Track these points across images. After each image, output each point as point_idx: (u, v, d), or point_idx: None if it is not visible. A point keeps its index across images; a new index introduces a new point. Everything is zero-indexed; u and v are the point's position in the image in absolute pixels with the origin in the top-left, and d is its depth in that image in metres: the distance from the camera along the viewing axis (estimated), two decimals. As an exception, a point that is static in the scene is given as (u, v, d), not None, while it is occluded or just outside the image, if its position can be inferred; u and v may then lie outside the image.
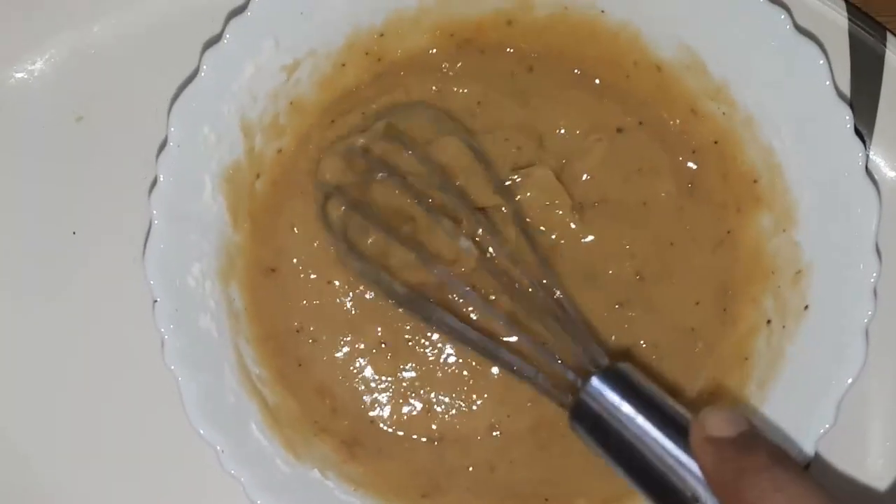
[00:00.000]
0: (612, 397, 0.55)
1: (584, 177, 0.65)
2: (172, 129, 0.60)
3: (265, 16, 0.61)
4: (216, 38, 0.61)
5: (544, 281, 0.62)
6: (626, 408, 0.55)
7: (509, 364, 0.61)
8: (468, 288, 0.62)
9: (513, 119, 0.65)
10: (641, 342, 0.64)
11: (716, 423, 0.53)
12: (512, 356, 0.61)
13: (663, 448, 0.54)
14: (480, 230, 0.63)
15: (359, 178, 0.64)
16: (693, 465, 0.53)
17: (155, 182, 0.60)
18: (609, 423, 0.55)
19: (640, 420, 0.54)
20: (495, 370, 0.64)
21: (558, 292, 0.62)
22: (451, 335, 0.62)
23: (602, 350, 0.59)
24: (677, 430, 0.54)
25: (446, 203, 0.63)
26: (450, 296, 0.63)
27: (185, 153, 0.60)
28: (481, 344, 0.61)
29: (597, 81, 0.66)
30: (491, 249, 0.63)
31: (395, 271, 0.63)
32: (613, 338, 0.64)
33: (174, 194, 0.60)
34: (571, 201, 0.64)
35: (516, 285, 0.62)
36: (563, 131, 0.65)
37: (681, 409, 0.56)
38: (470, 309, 0.63)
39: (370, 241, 0.63)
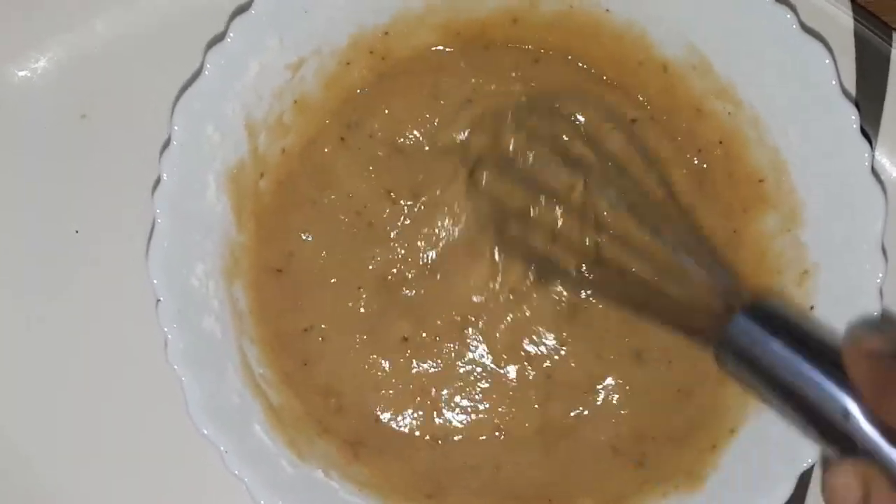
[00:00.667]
0: (759, 333, 0.54)
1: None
2: (176, 127, 0.60)
3: (269, 14, 0.61)
4: (220, 37, 0.61)
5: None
6: (775, 342, 0.54)
7: (652, 307, 0.61)
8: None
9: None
10: (652, 344, 0.64)
11: (871, 339, 0.52)
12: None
13: (812, 369, 0.53)
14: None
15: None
16: (843, 384, 0.52)
17: (158, 181, 0.59)
18: (758, 357, 0.54)
19: (789, 352, 0.53)
20: (511, 372, 0.64)
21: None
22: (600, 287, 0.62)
23: (741, 284, 0.59)
24: (825, 355, 0.53)
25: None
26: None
27: (188, 152, 0.60)
28: (629, 288, 0.62)
29: (604, 77, 0.66)
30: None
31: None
32: (627, 339, 0.64)
33: (178, 193, 0.60)
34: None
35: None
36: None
37: (828, 338, 0.55)
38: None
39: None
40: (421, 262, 0.64)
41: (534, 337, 0.64)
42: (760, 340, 0.54)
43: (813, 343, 0.54)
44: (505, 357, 0.64)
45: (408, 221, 0.65)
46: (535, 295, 0.64)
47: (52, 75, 0.68)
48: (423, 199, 0.65)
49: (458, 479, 0.64)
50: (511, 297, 0.64)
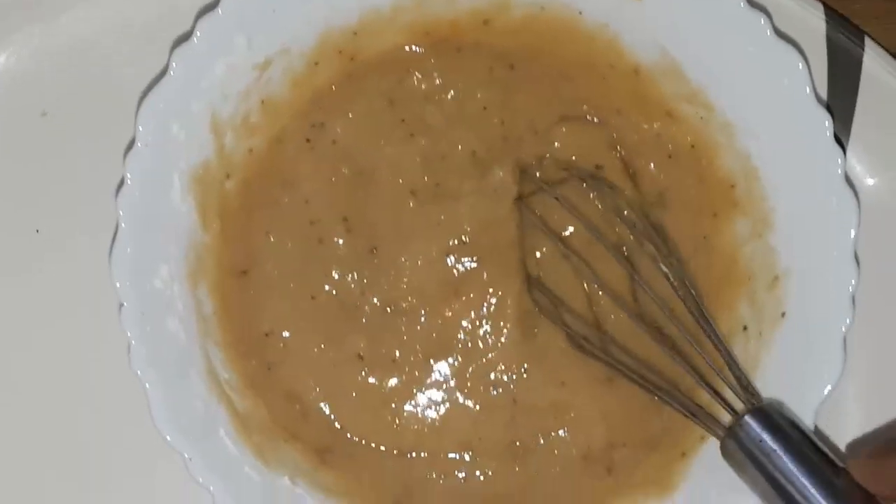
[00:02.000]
0: (765, 436, 0.57)
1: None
2: (140, 128, 0.59)
3: (236, 13, 0.60)
4: (186, 36, 0.60)
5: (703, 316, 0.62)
6: (780, 453, 0.57)
7: (667, 391, 0.62)
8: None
9: (500, 109, 0.65)
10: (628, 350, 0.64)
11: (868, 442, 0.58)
12: (668, 384, 0.62)
13: (813, 485, 0.56)
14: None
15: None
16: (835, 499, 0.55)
17: (122, 182, 0.58)
18: (762, 462, 0.57)
19: (792, 462, 0.56)
20: (475, 396, 0.63)
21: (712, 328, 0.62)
22: (619, 368, 0.62)
23: (755, 387, 0.60)
24: (826, 472, 0.56)
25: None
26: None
27: (153, 153, 0.59)
28: (640, 372, 0.62)
29: (574, 86, 0.66)
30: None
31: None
32: (593, 367, 0.63)
33: (142, 195, 0.58)
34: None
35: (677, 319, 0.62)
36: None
37: (829, 452, 0.57)
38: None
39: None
40: (377, 297, 0.63)
41: (499, 366, 0.63)
42: (767, 447, 0.57)
43: (815, 458, 0.56)
44: (468, 383, 0.63)
45: (363, 260, 0.64)
46: (505, 329, 0.63)
47: (11, 72, 0.66)
48: (376, 248, 0.64)
49: (426, 488, 0.63)
50: (477, 330, 0.63)
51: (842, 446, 0.64)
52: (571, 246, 0.64)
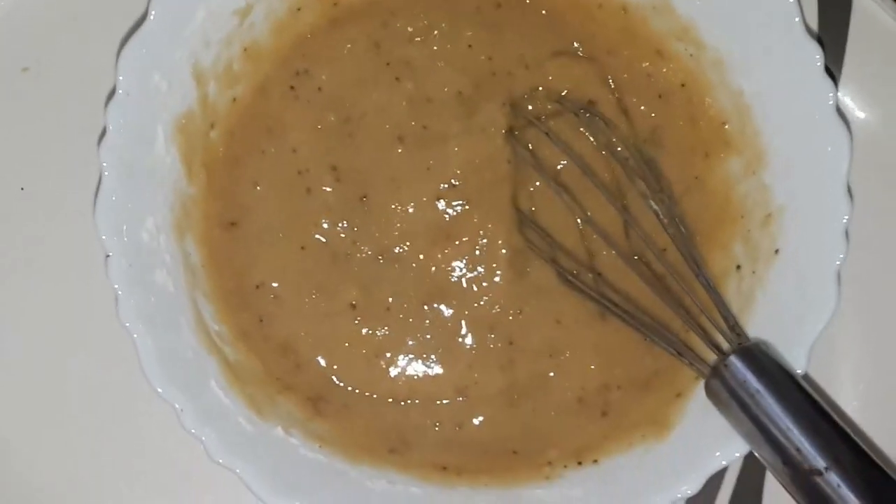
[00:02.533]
0: (749, 376, 0.57)
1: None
2: (121, 77, 0.57)
3: (215, -43, 0.59)
4: (165, -18, 0.58)
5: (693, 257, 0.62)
6: (764, 393, 0.56)
7: (655, 329, 0.61)
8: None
9: (488, 46, 0.64)
10: (616, 296, 0.63)
11: None
12: (656, 323, 0.62)
13: (797, 425, 0.55)
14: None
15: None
16: (824, 443, 0.55)
17: (104, 133, 0.57)
18: (746, 402, 0.57)
19: (776, 403, 0.56)
20: (467, 340, 0.63)
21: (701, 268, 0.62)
22: (608, 306, 0.62)
23: (742, 328, 0.60)
24: (811, 413, 0.56)
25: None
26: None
27: (134, 102, 0.58)
28: (629, 310, 0.62)
29: (564, 25, 0.65)
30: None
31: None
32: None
33: (125, 145, 0.57)
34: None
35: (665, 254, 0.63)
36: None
37: (815, 395, 0.57)
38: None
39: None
40: (368, 246, 0.63)
41: (494, 308, 0.63)
42: (751, 387, 0.56)
43: (800, 399, 0.56)
44: (463, 327, 0.63)
45: (353, 209, 0.63)
46: (498, 270, 0.63)
47: (-9, 27, 0.65)
48: (366, 196, 0.63)
49: (420, 435, 0.62)
50: (474, 273, 0.63)
51: (838, 381, 0.64)
52: (563, 182, 0.63)
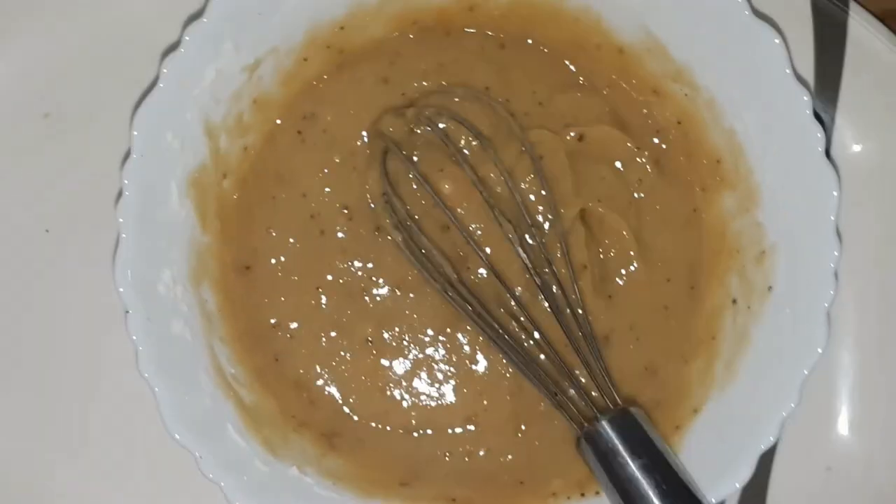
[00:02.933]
0: (617, 441, 0.60)
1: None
2: (135, 138, 0.60)
3: (222, 19, 0.61)
4: (175, 45, 0.61)
5: (580, 311, 0.64)
6: (631, 463, 0.60)
7: (539, 378, 0.63)
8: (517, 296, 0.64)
9: (501, 86, 0.66)
10: (619, 325, 0.65)
11: None
12: (541, 372, 0.63)
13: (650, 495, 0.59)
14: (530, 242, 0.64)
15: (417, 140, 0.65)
16: None
17: (120, 192, 0.60)
18: (614, 469, 0.60)
19: (642, 476, 0.59)
20: (480, 367, 0.65)
21: (589, 330, 0.64)
22: (484, 333, 0.64)
23: (615, 394, 0.63)
24: (669, 482, 0.59)
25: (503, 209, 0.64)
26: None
27: (149, 162, 0.60)
28: (514, 350, 0.63)
29: (567, 63, 0.67)
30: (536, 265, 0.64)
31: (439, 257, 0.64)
32: (595, 325, 0.65)
33: (140, 204, 0.60)
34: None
35: (559, 310, 0.64)
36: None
37: (677, 463, 0.60)
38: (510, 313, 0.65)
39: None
40: (385, 279, 0.65)
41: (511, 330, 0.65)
42: (620, 455, 0.60)
43: (664, 470, 0.60)
44: (478, 354, 0.65)
45: (367, 244, 0.65)
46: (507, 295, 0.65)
47: (14, 74, 0.67)
48: (381, 226, 0.65)
49: (431, 467, 0.65)
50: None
51: (833, 416, 0.66)
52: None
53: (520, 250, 0.63)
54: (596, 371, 0.63)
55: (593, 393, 0.63)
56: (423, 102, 0.65)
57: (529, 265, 0.63)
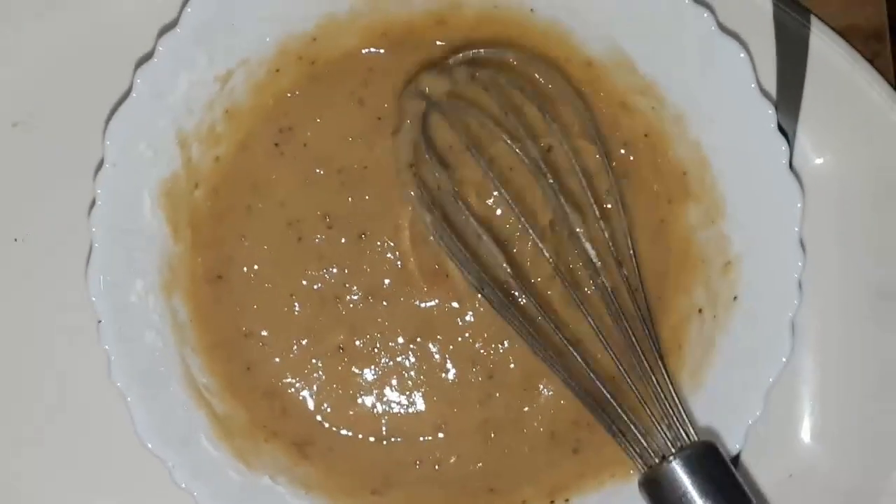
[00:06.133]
0: (689, 490, 0.57)
1: None
2: (108, 147, 0.60)
3: (196, 30, 0.61)
4: (149, 55, 0.61)
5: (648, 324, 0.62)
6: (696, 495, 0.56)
7: (604, 415, 0.60)
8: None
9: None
10: (585, 336, 0.65)
11: None
12: (607, 406, 0.60)
13: None
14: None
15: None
16: None
17: (93, 203, 0.60)
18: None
19: None
20: (450, 375, 0.66)
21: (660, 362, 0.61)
22: (536, 347, 0.62)
23: (690, 427, 0.59)
24: None
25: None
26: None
27: (121, 172, 0.61)
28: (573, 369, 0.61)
29: (536, 76, 0.67)
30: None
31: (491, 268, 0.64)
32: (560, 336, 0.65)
33: (113, 214, 0.60)
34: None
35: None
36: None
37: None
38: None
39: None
40: (359, 286, 0.66)
41: (477, 342, 0.66)
42: (687, 499, 0.56)
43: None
44: (448, 362, 0.66)
45: (345, 251, 0.66)
46: (477, 305, 0.66)
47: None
48: (366, 233, 0.66)
49: (402, 475, 0.66)
50: (455, 307, 0.66)
51: (795, 424, 0.68)
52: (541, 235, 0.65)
53: (587, 245, 0.62)
54: (665, 396, 0.59)
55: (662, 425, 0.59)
56: (473, 55, 0.64)
57: (596, 263, 0.62)
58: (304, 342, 0.66)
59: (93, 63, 0.66)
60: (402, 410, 0.66)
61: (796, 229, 0.61)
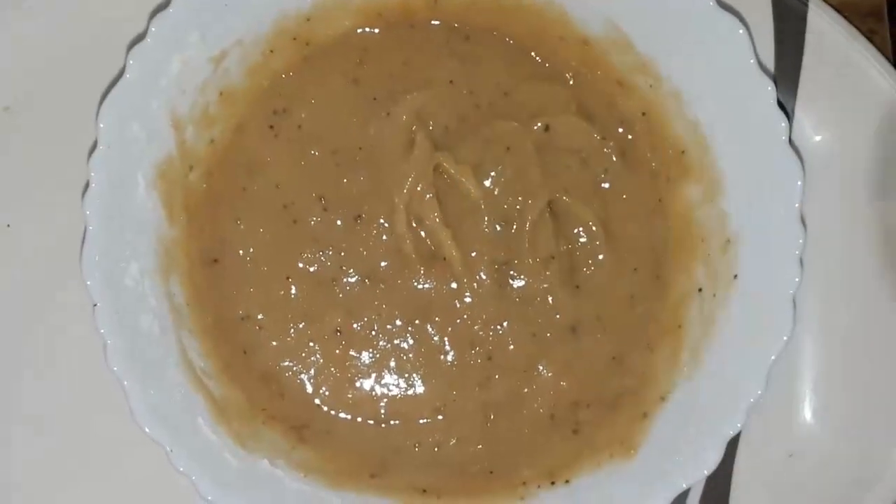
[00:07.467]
0: None
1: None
2: (101, 130, 0.60)
3: (189, 10, 0.61)
4: (141, 36, 0.60)
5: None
6: None
7: None
8: None
9: (465, 78, 0.66)
10: (585, 315, 0.66)
11: None
12: None
13: None
14: None
15: None
16: None
17: (87, 185, 0.60)
18: None
19: None
20: (449, 357, 0.65)
21: None
22: None
23: None
24: None
25: None
26: None
27: (115, 153, 0.60)
28: None
29: (533, 54, 0.67)
30: None
31: None
32: (559, 316, 0.65)
33: (107, 196, 0.60)
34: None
35: None
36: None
37: None
38: None
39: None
40: (356, 269, 0.65)
41: (476, 324, 0.65)
42: None
43: None
44: (447, 344, 0.66)
45: (342, 234, 0.65)
46: (475, 286, 0.65)
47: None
48: (362, 215, 0.65)
49: (400, 458, 0.65)
50: (454, 288, 0.65)
51: (796, 402, 0.67)
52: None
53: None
54: None
55: None
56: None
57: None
58: (300, 325, 0.65)
59: (85, 45, 0.66)
60: (400, 393, 0.66)
61: (797, 206, 0.60)
